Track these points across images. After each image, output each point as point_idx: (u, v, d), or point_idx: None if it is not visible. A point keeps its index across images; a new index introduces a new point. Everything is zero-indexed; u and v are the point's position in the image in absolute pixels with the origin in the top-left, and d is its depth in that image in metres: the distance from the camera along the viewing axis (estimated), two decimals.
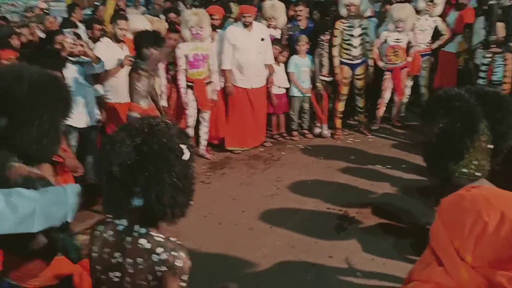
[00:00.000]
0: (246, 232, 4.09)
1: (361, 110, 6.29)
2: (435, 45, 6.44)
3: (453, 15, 6.62)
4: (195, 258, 1.60)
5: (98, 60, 4.45)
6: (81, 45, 4.28)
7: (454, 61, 6.42)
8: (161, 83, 5.25)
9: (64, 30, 4.63)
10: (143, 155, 1.44)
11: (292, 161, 5.56)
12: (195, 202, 1.62)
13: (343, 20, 5.87)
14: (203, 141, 5.64)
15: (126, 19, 4.79)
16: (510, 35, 4.94)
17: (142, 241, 1.53)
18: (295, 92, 6.05)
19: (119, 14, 4.98)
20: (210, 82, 5.43)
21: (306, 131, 6.31)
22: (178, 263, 1.50)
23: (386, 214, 4.31)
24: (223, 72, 5.62)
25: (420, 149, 1.91)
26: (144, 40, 4.16)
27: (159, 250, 1.51)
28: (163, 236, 1.54)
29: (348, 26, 5.83)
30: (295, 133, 6.25)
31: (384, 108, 6.38)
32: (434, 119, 1.73)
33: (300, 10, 6.22)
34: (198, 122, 5.53)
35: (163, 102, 5.26)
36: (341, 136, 6.24)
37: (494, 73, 5.25)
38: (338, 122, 6.27)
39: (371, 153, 5.68)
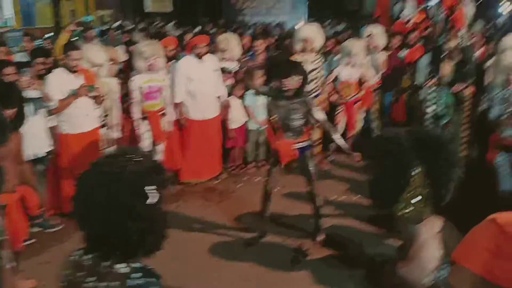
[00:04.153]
0: (200, 266, 4.01)
1: (317, 142, 6.39)
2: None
3: (404, 53, 6.94)
4: None
5: (51, 98, 4.34)
6: (37, 84, 4.17)
7: (402, 96, 6.71)
8: (115, 114, 5.19)
9: (22, 69, 4.49)
10: (109, 201, 1.46)
11: (248, 194, 5.53)
12: None
13: (297, 55, 6.01)
14: None
15: (78, 49, 4.70)
16: (468, 73, 5.12)
17: (119, 266, 1.54)
18: (251, 125, 6.10)
19: (70, 45, 4.90)
20: (164, 114, 5.39)
21: (262, 163, 6.34)
22: None
23: (341, 246, 4.33)
24: (176, 104, 5.62)
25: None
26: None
27: (135, 275, 1.53)
28: (141, 264, 1.57)
29: (303, 61, 5.96)
30: (251, 165, 6.26)
31: None
32: (373, 158, 1.77)
33: (260, 44, 6.34)
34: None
35: (117, 133, 5.18)
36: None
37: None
38: None
39: (326, 184, 5.73)
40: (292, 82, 4.04)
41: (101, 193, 1.47)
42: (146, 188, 1.50)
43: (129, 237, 1.48)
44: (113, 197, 1.46)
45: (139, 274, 1.53)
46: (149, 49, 5.09)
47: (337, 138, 4.32)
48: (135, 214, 1.47)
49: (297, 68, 4.13)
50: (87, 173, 1.55)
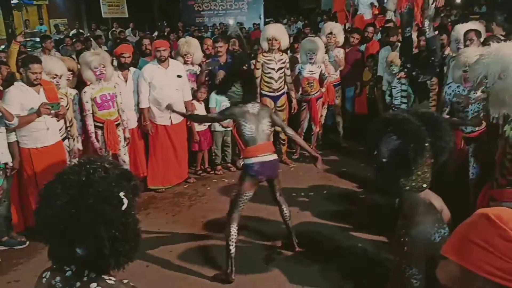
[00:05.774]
0: (174, 272, 3.98)
1: (283, 142, 6.44)
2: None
3: (362, 47, 7.09)
4: None
5: (12, 117, 4.19)
6: None
7: (364, 89, 6.86)
8: (75, 125, 5.08)
9: None
10: (78, 208, 1.39)
11: (218, 196, 5.54)
12: None
13: (264, 54, 6.05)
14: None
15: (39, 62, 4.45)
16: (435, 61, 5.19)
17: (93, 285, 1.45)
18: (217, 127, 6.09)
19: (31, 58, 4.70)
20: (120, 123, 5.27)
21: (229, 165, 6.34)
22: None
23: (311, 242, 4.39)
24: (141, 111, 5.55)
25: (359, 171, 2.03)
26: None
27: None
28: (115, 279, 1.49)
29: (269, 60, 6.01)
30: (219, 167, 6.26)
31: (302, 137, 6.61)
32: (383, 139, 1.93)
33: (220, 46, 6.33)
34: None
35: (79, 145, 5.06)
36: None
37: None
38: None
39: (293, 182, 5.80)
40: None
41: (68, 202, 1.39)
42: (115, 193, 1.44)
43: (101, 245, 1.40)
44: (81, 204, 1.38)
45: None
46: (95, 59, 4.97)
47: None
48: (105, 220, 1.40)
49: None
50: (52, 183, 1.47)
